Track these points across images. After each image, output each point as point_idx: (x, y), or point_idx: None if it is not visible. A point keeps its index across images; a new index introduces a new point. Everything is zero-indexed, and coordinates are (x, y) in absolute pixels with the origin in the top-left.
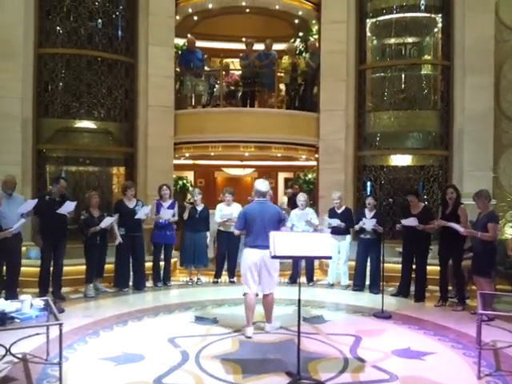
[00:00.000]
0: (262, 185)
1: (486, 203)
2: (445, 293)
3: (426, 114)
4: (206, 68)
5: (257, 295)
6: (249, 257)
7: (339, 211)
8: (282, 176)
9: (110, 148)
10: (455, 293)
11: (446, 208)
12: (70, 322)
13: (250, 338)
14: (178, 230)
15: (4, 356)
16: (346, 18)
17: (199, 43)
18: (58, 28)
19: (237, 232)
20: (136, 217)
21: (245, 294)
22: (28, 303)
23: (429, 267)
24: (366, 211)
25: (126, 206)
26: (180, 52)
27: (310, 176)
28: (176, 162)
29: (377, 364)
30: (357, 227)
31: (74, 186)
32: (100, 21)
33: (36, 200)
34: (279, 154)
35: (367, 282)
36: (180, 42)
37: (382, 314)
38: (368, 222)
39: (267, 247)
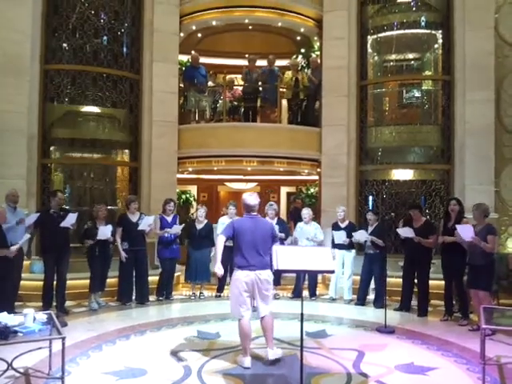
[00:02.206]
0: (250, 198)
1: (482, 217)
2: (450, 307)
3: (428, 129)
4: (209, 83)
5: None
6: (240, 280)
7: (343, 225)
8: (284, 190)
9: (115, 162)
10: (459, 307)
11: (449, 221)
12: (73, 336)
13: (248, 368)
14: (182, 244)
15: (6, 371)
16: (347, 34)
17: (203, 59)
18: (64, 45)
19: (223, 239)
20: (139, 228)
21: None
22: (31, 317)
23: (431, 281)
24: (368, 226)
25: (130, 219)
26: (184, 68)
27: (312, 190)
28: (179, 176)
29: (380, 379)
30: (353, 239)
31: (79, 200)
32: (105, 38)
33: (38, 214)
34: (282, 169)
35: (370, 297)
36: (184, 58)
37: (385, 329)
38: (358, 235)
39: (260, 268)
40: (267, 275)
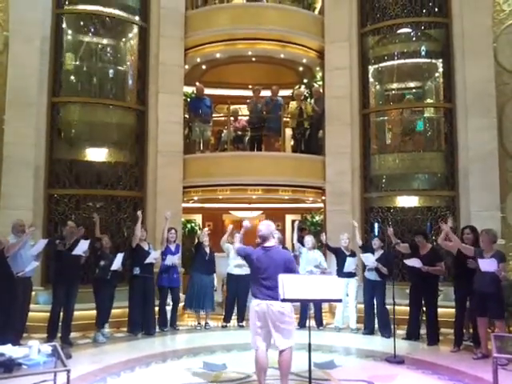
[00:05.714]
0: (260, 226)
1: (491, 243)
2: (460, 336)
3: (431, 156)
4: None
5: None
6: (253, 308)
7: (348, 253)
8: (289, 218)
9: (120, 192)
10: (470, 335)
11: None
12: (78, 369)
13: None
14: (186, 273)
15: None
16: (348, 64)
17: (207, 91)
18: (71, 77)
19: (238, 246)
20: (146, 262)
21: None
22: (36, 349)
23: (441, 309)
24: (374, 252)
25: (141, 246)
26: (189, 99)
27: (317, 218)
28: (184, 205)
29: None
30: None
31: (85, 230)
32: (112, 70)
33: (46, 240)
34: (286, 197)
35: (377, 325)
36: (189, 89)
37: (395, 359)
38: (365, 259)
39: (272, 298)
40: (280, 307)
